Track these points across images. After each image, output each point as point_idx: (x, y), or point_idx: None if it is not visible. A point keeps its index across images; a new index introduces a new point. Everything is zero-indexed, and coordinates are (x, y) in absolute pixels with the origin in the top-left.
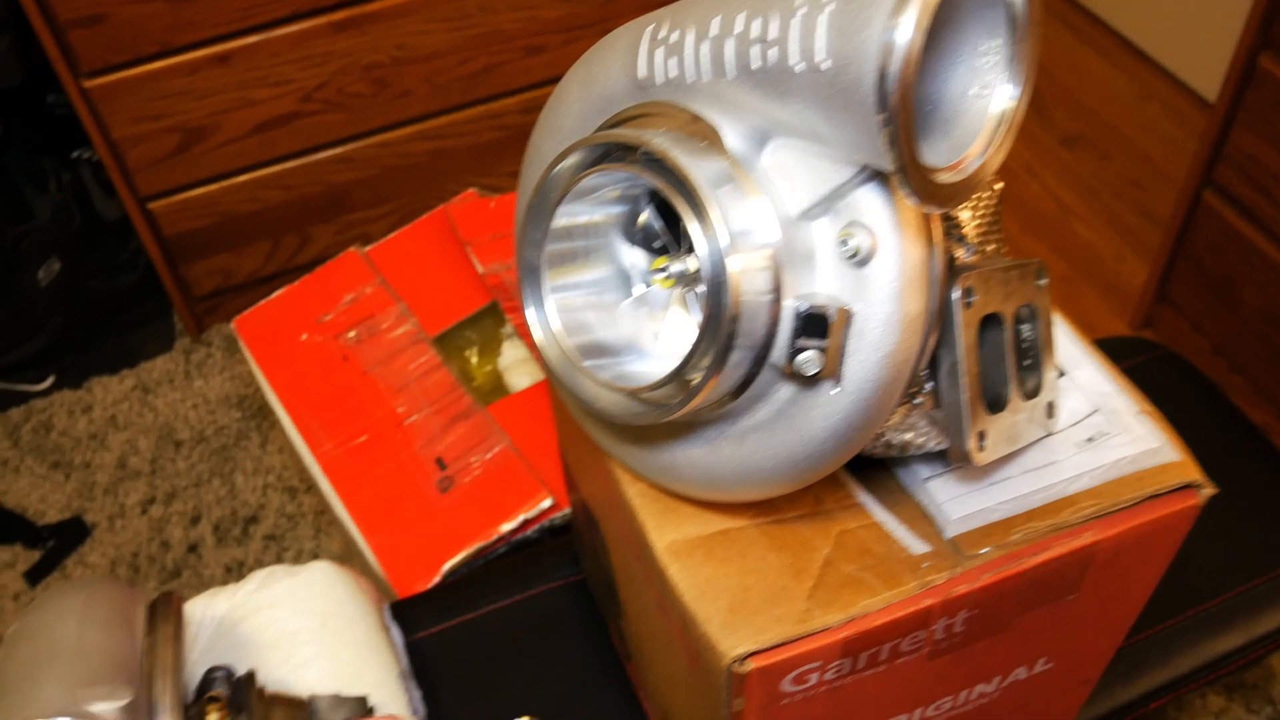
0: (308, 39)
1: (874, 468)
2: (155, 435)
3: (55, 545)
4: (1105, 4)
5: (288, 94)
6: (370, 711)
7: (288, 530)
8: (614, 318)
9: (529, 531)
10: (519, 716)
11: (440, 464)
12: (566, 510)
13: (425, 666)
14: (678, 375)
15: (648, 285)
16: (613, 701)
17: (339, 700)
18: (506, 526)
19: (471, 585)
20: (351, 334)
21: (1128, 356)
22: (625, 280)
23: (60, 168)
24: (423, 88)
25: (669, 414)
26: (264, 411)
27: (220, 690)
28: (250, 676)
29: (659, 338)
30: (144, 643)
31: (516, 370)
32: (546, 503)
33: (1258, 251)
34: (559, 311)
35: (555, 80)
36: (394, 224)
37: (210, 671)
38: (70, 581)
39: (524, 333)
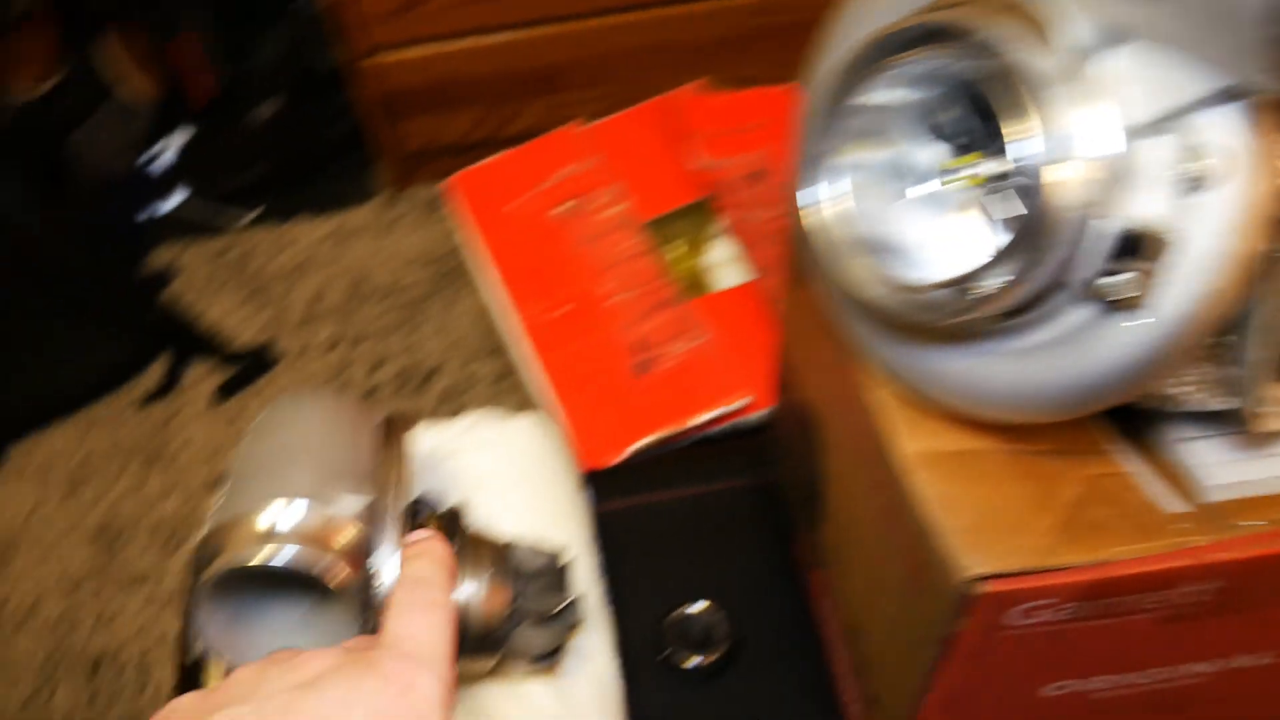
0: None
1: (1133, 420)
2: (349, 280)
3: (245, 368)
4: None
5: None
6: (566, 565)
7: (467, 389)
8: (891, 210)
9: (717, 429)
10: (696, 599)
11: (640, 346)
12: (758, 413)
13: (607, 537)
14: (968, 280)
15: (944, 180)
16: (784, 605)
17: (537, 550)
18: (703, 417)
19: (656, 469)
20: (565, 206)
21: None
22: (913, 173)
23: (292, 8)
24: None
25: (947, 317)
26: (454, 275)
27: (435, 515)
28: (460, 509)
29: (939, 239)
30: (379, 456)
31: (722, 269)
32: (745, 400)
33: None
34: (840, 197)
35: None
36: (604, 109)
37: (419, 499)
38: (312, 389)
39: (737, 230)
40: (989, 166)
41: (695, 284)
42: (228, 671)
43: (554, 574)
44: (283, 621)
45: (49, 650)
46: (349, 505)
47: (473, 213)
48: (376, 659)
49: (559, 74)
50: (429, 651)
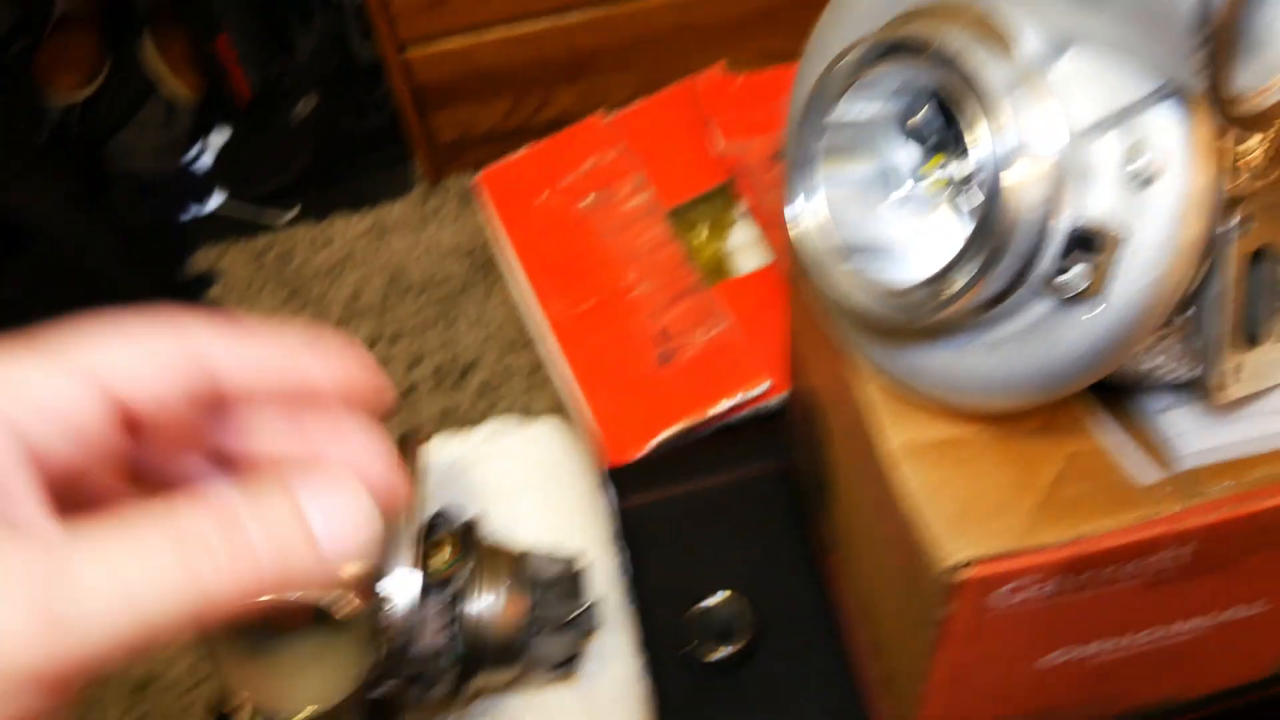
0: None
1: (1111, 393)
2: (387, 276)
3: None
4: None
5: None
6: (581, 570)
7: (502, 382)
8: (875, 214)
9: (738, 416)
10: (719, 590)
11: (663, 336)
12: (779, 396)
13: (631, 533)
14: (940, 279)
15: (915, 183)
16: (805, 590)
17: (553, 558)
18: (724, 404)
19: (680, 461)
20: (590, 199)
21: None
22: (890, 177)
23: (324, 5)
24: None
25: (922, 318)
26: (490, 265)
27: (447, 533)
28: (475, 523)
29: (918, 240)
30: None
31: (743, 253)
32: (765, 385)
33: None
34: (825, 205)
35: None
36: (634, 92)
37: (437, 514)
38: None
39: (756, 214)
40: (955, 168)
41: (717, 269)
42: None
43: (570, 580)
44: (298, 651)
45: None
46: None
47: (498, 211)
48: None
49: (588, 60)
50: None
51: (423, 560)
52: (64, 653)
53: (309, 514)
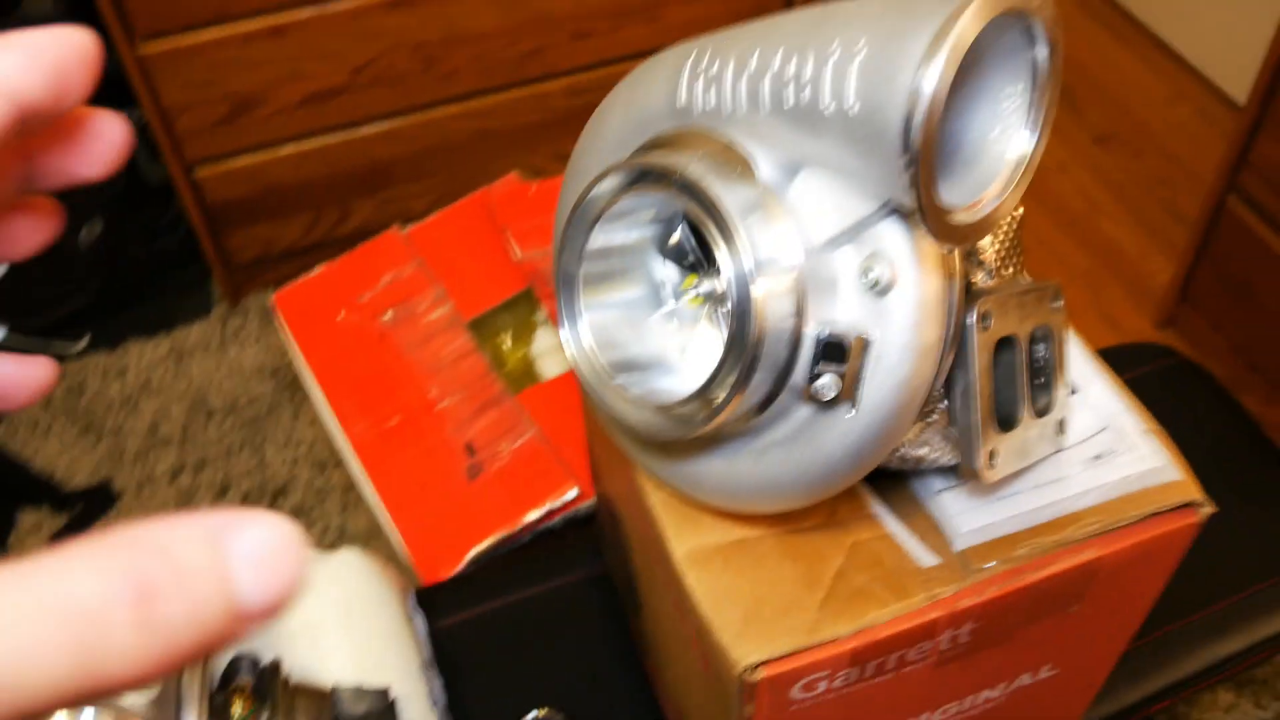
0: (361, 15)
1: (889, 479)
2: (188, 402)
3: (82, 511)
4: (1141, 4)
5: (338, 69)
6: (392, 703)
7: (315, 505)
8: (644, 333)
9: (554, 521)
10: (538, 708)
11: (470, 450)
12: (591, 501)
13: (447, 655)
14: (703, 393)
15: (677, 301)
16: (630, 695)
17: (361, 692)
18: (533, 515)
19: (495, 574)
20: (389, 315)
21: (1145, 362)
22: (657, 296)
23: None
24: (470, 67)
25: (694, 430)
26: (297, 384)
27: (245, 680)
28: (275, 666)
29: (686, 353)
30: None
31: (548, 358)
32: (572, 493)
33: (1277, 257)
34: (592, 329)
35: (600, 65)
36: (435, 200)
37: (235, 660)
38: None
39: (557, 321)
40: (708, 285)
41: (524, 376)
42: None
43: (381, 714)
44: None
45: None
46: (137, 698)
47: (294, 332)
48: None
49: (385, 171)
50: None
51: (218, 714)
52: None
53: (234, 566)
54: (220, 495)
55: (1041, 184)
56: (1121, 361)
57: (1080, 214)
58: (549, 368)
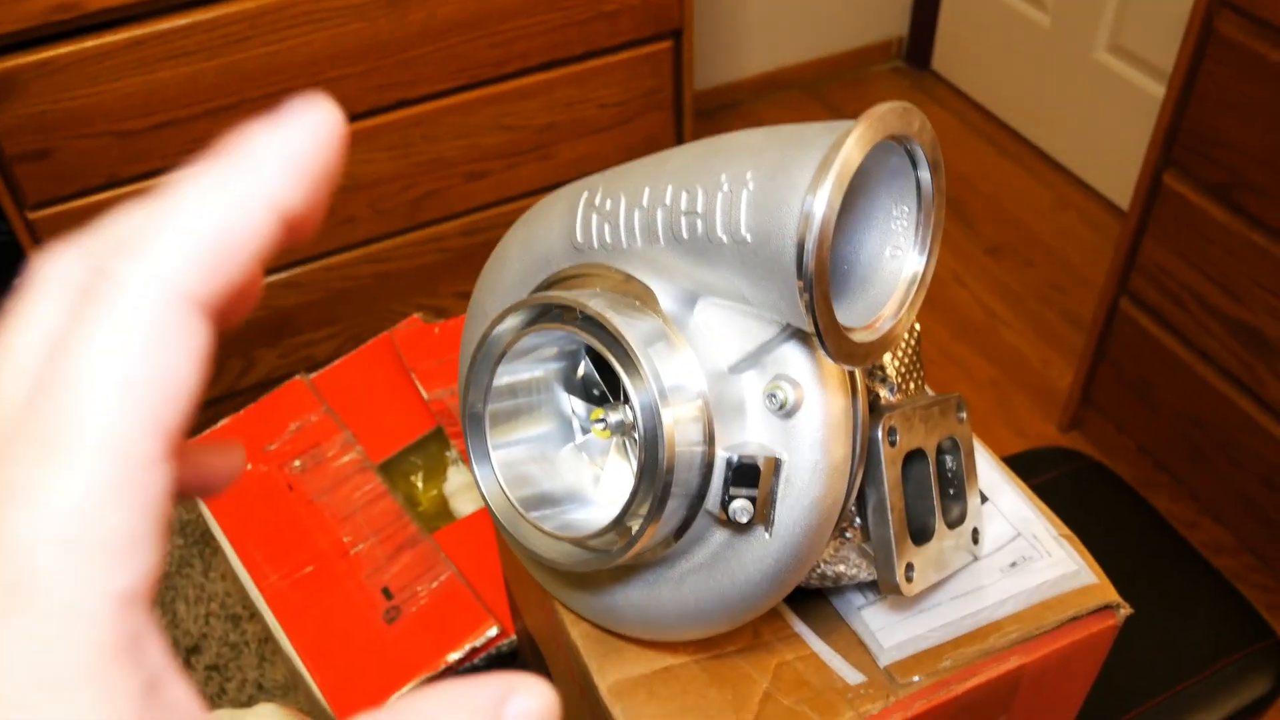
0: None
1: (811, 597)
2: None
3: None
4: (1023, 118)
5: None
6: None
7: (231, 659)
8: (556, 466)
9: (476, 660)
10: None
11: (386, 594)
12: (513, 637)
13: None
14: (618, 523)
15: (587, 432)
16: None
17: None
18: (453, 656)
19: None
20: (297, 463)
21: (1055, 466)
22: (567, 428)
23: (3, 293)
24: (366, 213)
25: (611, 561)
26: (206, 537)
27: None
28: None
29: (600, 484)
30: None
31: (462, 495)
32: (493, 631)
33: (1173, 355)
34: (503, 466)
35: (497, 204)
36: (339, 345)
37: None
38: None
39: (468, 460)
40: (617, 416)
41: (438, 515)
42: None
43: None
44: None
45: None
46: None
47: None
48: None
49: (289, 319)
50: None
51: None
52: None
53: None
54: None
55: (939, 296)
56: (1030, 467)
57: (979, 324)
58: (463, 505)
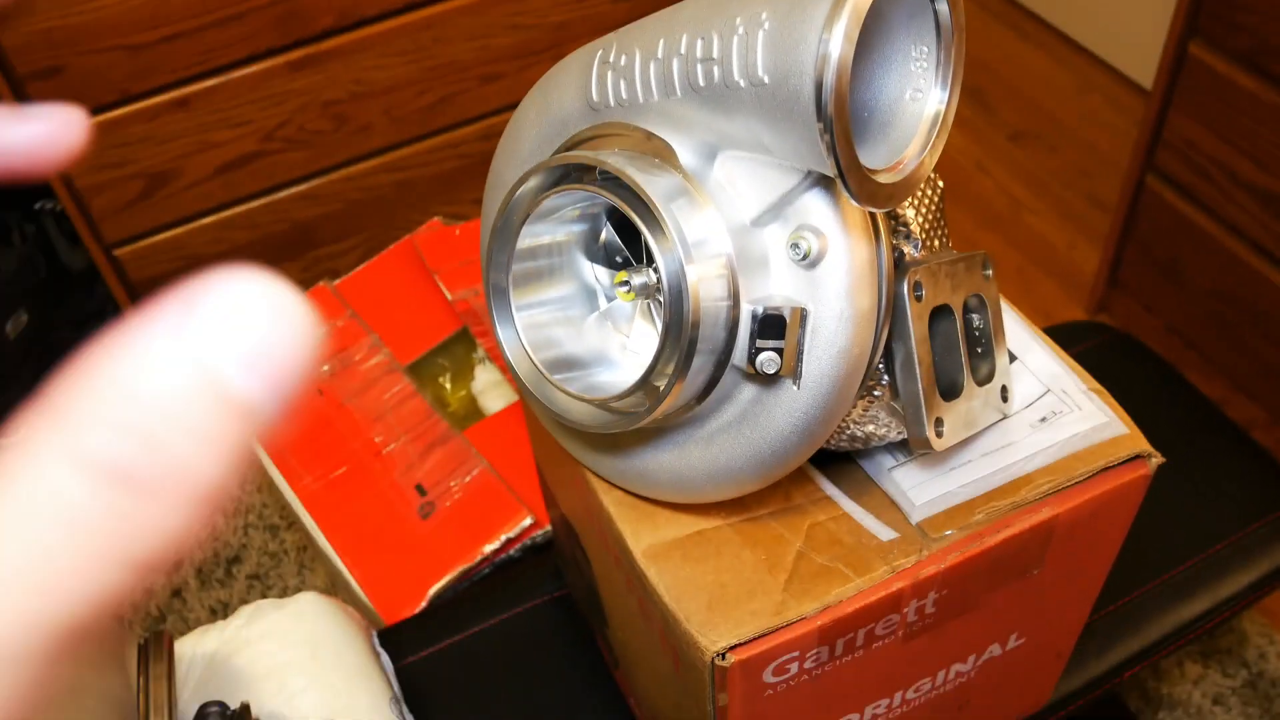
0: (265, 80)
1: (840, 460)
2: None
3: None
4: (1043, 3)
5: (248, 134)
6: None
7: (271, 568)
8: (581, 332)
9: (512, 551)
10: None
11: (420, 490)
12: (548, 528)
13: (416, 691)
14: (644, 383)
15: (611, 299)
16: (603, 710)
17: None
18: (489, 548)
19: (458, 608)
20: (325, 368)
21: (1082, 340)
22: (590, 295)
23: (23, 220)
24: (382, 121)
25: (638, 421)
26: None
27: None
28: (245, 709)
29: (626, 348)
30: (137, 682)
31: (490, 393)
32: (527, 521)
33: (1201, 231)
34: (527, 329)
35: (512, 106)
36: (361, 257)
37: (204, 707)
38: None
39: (495, 356)
40: (640, 279)
41: (468, 414)
42: None
43: None
44: None
45: None
46: None
47: None
48: None
49: (309, 232)
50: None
51: None
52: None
53: (227, 373)
54: (172, 570)
55: (962, 184)
56: (1058, 340)
57: (1003, 211)
58: (492, 403)
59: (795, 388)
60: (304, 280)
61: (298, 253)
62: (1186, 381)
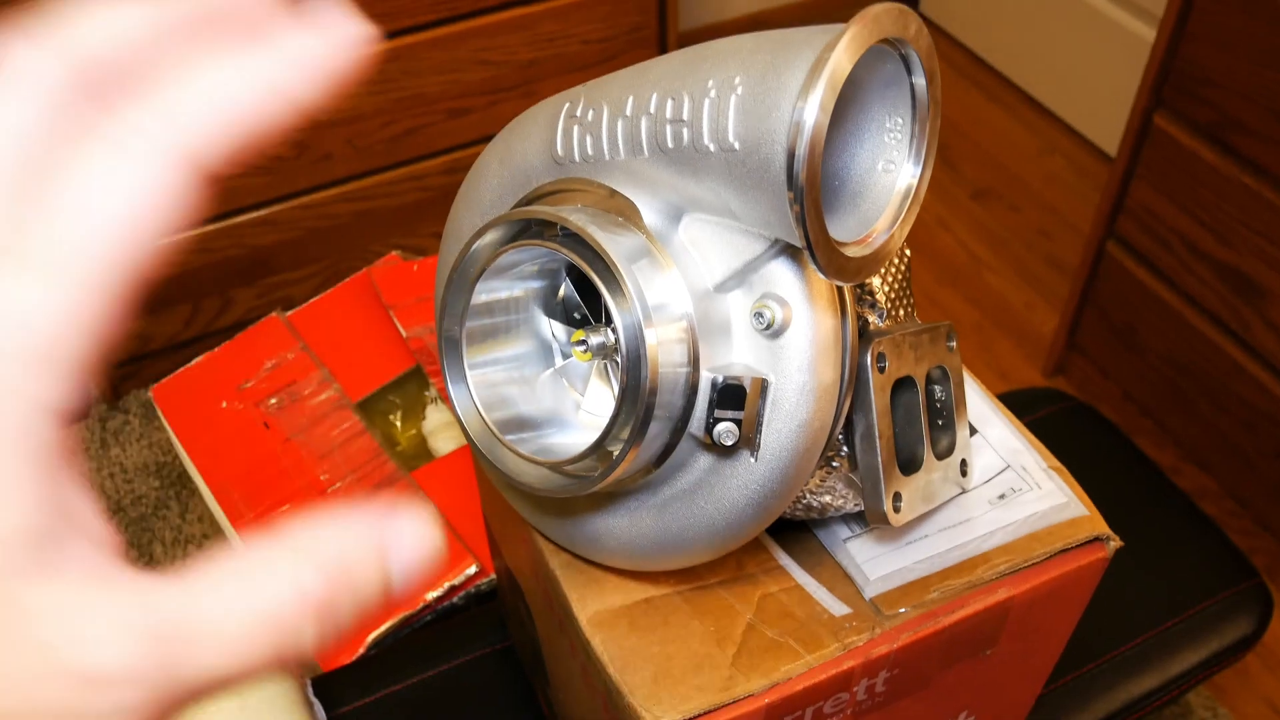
0: None
1: (795, 529)
2: None
3: None
4: (1010, 63)
5: None
6: None
7: None
8: (535, 390)
9: (455, 599)
10: None
11: None
12: (493, 576)
13: None
14: (598, 447)
15: (567, 356)
16: None
17: None
18: (432, 595)
19: (397, 656)
20: (273, 401)
21: (1040, 407)
22: (546, 352)
23: None
24: (345, 150)
25: (591, 486)
26: (184, 479)
27: None
28: None
29: (580, 409)
30: None
31: (441, 434)
32: (472, 569)
33: (1158, 300)
34: (480, 386)
35: (479, 142)
36: (317, 286)
37: None
38: None
39: (446, 397)
40: (598, 338)
41: (417, 455)
42: None
43: None
44: None
45: None
46: None
47: (174, 425)
48: None
49: (266, 259)
50: None
51: None
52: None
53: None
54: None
55: (924, 239)
56: (1016, 407)
57: (963, 268)
58: (443, 444)
59: (753, 460)
60: (258, 307)
61: (253, 278)
62: (1142, 455)
